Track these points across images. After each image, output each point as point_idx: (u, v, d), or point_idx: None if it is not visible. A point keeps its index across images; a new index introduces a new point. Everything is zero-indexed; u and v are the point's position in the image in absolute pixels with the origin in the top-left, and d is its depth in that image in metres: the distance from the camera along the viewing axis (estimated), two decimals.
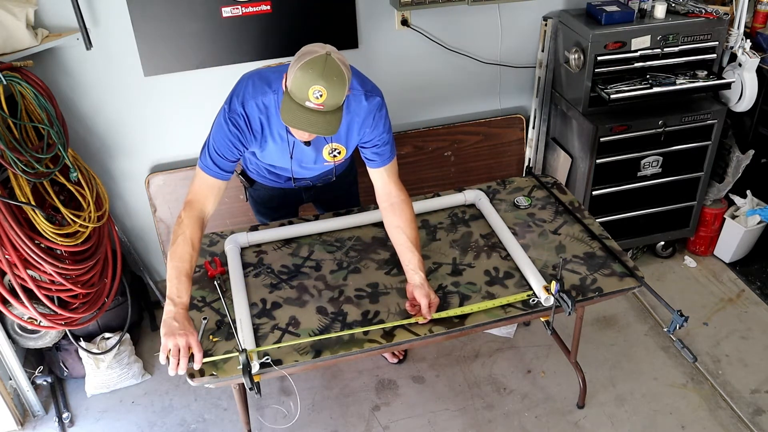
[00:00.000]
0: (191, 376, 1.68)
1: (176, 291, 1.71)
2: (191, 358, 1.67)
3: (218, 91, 2.06)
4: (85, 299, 2.30)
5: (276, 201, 2.31)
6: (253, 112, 1.80)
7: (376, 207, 2.05)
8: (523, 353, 2.64)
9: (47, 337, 2.39)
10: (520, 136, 3.05)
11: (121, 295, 2.58)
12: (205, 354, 1.71)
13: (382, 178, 1.96)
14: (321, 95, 1.57)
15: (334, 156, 1.97)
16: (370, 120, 1.87)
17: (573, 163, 2.88)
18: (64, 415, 2.46)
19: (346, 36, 2.63)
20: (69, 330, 2.40)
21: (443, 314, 1.83)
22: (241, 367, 1.63)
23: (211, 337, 1.79)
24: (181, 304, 1.71)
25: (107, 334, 2.55)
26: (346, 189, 2.38)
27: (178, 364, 1.64)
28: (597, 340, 2.69)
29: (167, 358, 1.65)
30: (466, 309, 1.85)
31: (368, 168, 1.98)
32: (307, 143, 1.88)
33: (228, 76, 2.31)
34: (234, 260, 2.05)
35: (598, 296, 1.91)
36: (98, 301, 2.37)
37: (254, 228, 2.22)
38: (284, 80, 1.67)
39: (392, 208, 1.95)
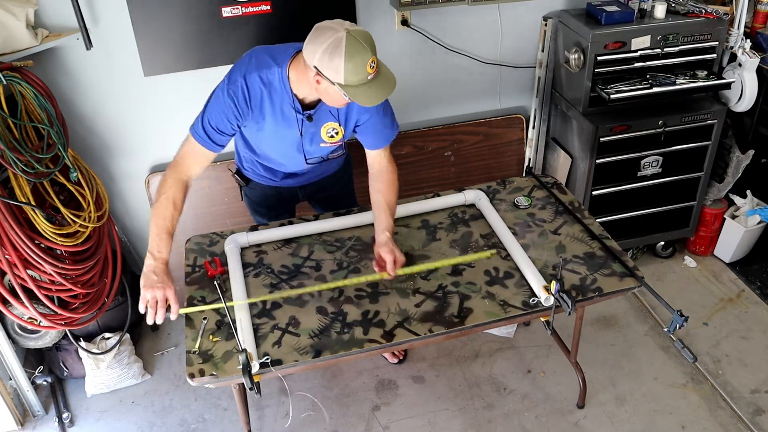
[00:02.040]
0: (191, 376, 1.68)
1: (156, 246, 1.81)
2: (168, 309, 1.78)
3: None
4: (85, 299, 2.30)
5: (272, 200, 2.31)
6: (255, 84, 1.81)
7: None
8: (523, 353, 2.64)
9: (47, 337, 2.39)
10: (520, 136, 3.05)
11: (121, 295, 2.58)
12: (205, 354, 1.72)
13: (378, 156, 2.02)
14: (374, 62, 1.67)
15: (332, 136, 1.98)
16: None
17: (573, 163, 2.88)
18: (64, 415, 2.46)
19: None
20: (69, 330, 2.40)
21: (407, 270, 1.92)
22: (241, 367, 1.64)
23: (211, 337, 1.79)
24: (161, 259, 1.81)
25: (107, 334, 2.55)
26: (342, 187, 2.38)
27: (156, 314, 1.76)
28: (597, 340, 2.69)
29: (146, 308, 1.77)
30: (430, 265, 1.95)
31: (366, 150, 2.02)
32: (309, 118, 1.89)
33: None
34: (234, 260, 2.05)
35: (598, 296, 1.91)
36: (98, 301, 2.37)
37: (254, 228, 2.22)
38: (317, 76, 1.69)
39: (378, 174, 2.01)
